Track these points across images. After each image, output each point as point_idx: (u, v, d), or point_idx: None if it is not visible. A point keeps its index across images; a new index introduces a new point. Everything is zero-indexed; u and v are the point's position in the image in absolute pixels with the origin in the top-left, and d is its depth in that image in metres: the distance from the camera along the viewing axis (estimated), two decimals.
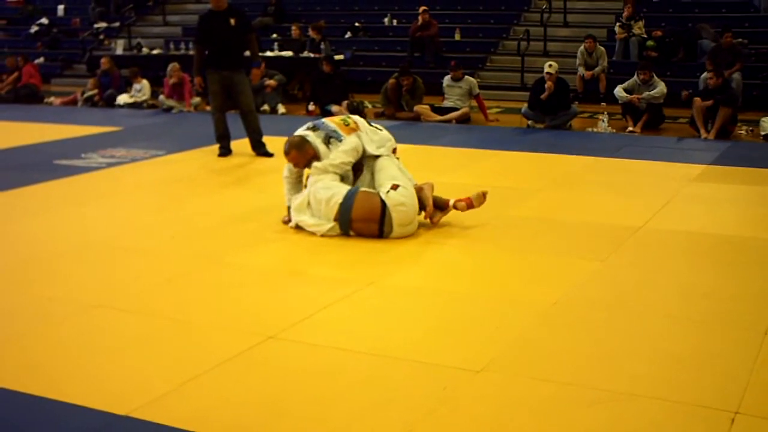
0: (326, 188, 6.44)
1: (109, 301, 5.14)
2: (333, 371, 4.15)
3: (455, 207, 6.75)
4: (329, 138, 6.71)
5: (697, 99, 11.47)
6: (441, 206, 6.76)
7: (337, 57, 15.74)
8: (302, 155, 6.70)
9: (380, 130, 6.98)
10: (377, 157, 6.72)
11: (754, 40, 15.05)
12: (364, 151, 6.72)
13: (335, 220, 6.34)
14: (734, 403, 3.70)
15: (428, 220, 6.69)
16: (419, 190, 6.67)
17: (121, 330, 4.73)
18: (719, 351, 4.34)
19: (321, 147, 6.67)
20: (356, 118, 7.09)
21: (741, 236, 6.51)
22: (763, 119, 11.44)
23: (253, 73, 13.30)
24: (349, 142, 6.65)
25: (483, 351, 4.33)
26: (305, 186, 6.68)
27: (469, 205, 6.75)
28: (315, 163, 6.58)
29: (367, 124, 7.00)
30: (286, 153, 6.76)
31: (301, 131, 6.81)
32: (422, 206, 6.64)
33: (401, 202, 6.38)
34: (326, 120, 7.00)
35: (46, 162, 9.82)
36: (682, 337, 4.53)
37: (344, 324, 4.78)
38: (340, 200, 6.33)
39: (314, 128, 6.82)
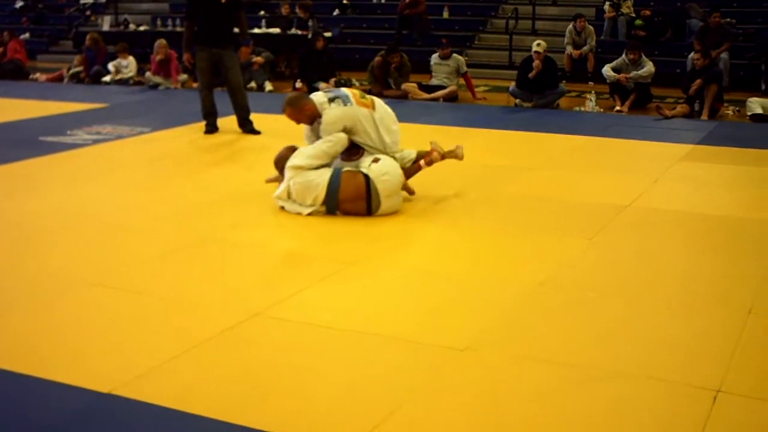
0: (307, 180, 6.34)
1: (95, 279, 5.13)
2: (318, 349, 4.15)
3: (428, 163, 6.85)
4: (335, 98, 6.56)
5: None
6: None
7: (326, 34, 15.68)
8: (298, 111, 6.59)
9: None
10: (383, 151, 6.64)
11: (742, 20, 15.07)
12: (379, 139, 6.64)
13: (323, 203, 6.32)
14: (717, 381, 3.72)
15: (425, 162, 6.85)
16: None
17: (106, 308, 4.71)
18: (704, 330, 4.36)
19: (321, 98, 6.57)
20: (377, 99, 6.93)
21: (727, 216, 6.53)
22: (750, 99, 11.46)
23: (242, 51, 13.23)
24: (338, 138, 6.48)
25: (469, 330, 4.34)
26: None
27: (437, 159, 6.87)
28: (291, 160, 6.43)
29: (387, 109, 6.88)
30: (283, 110, 6.67)
31: (313, 94, 6.75)
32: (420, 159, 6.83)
33: (384, 172, 6.37)
34: (344, 88, 6.91)
35: (31, 138, 9.77)
36: (668, 317, 4.54)
37: (330, 302, 4.77)
38: (326, 184, 6.29)
39: (327, 91, 6.74)
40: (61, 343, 4.24)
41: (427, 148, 6.94)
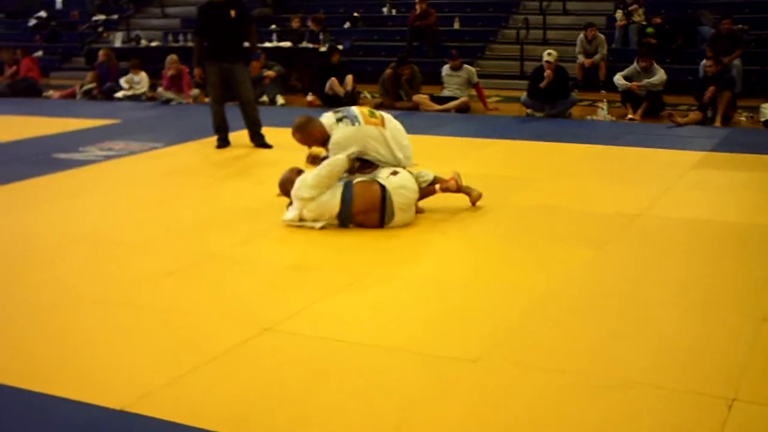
0: (319, 201, 6.29)
1: (106, 295, 5.13)
2: (329, 363, 4.13)
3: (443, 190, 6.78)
4: (343, 118, 6.53)
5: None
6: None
7: (337, 47, 15.71)
8: (307, 136, 6.58)
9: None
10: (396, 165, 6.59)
11: (755, 25, 15.00)
12: (392, 156, 6.59)
13: (336, 216, 6.29)
14: (732, 390, 3.69)
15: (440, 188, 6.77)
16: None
17: (117, 324, 4.71)
18: (717, 338, 4.32)
19: (330, 120, 6.55)
20: (387, 115, 6.87)
21: (740, 223, 6.49)
22: (763, 105, 11.42)
23: (252, 65, 13.28)
24: (335, 161, 6.37)
25: (479, 341, 4.31)
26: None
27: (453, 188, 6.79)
28: (296, 192, 6.35)
29: (397, 125, 6.83)
30: (293, 135, 6.66)
31: (322, 115, 6.70)
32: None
33: (402, 185, 6.35)
34: (354, 107, 6.87)
35: (44, 155, 9.80)
36: (681, 325, 4.51)
37: (340, 315, 4.75)
38: (338, 200, 6.27)
39: (336, 111, 6.69)
40: (71, 360, 4.23)
41: (437, 159, 6.92)
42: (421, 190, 6.62)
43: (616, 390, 3.74)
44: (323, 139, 6.55)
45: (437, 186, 6.76)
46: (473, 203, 6.89)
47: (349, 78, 14.08)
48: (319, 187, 6.29)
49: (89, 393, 3.81)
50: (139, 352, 4.31)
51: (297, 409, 3.66)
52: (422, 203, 6.73)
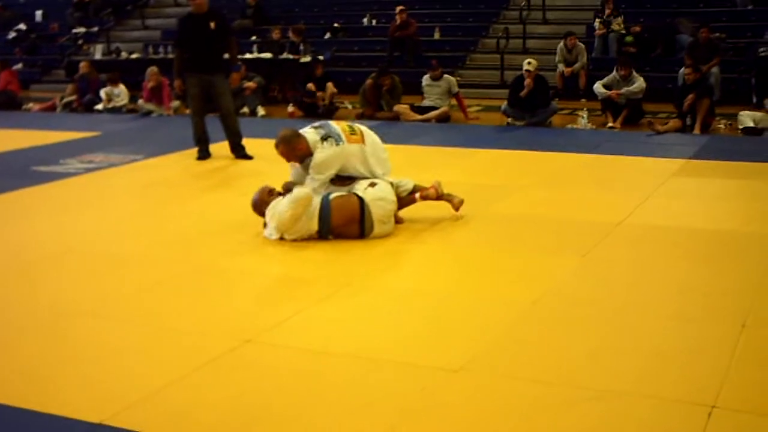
0: (294, 216, 6.24)
1: (86, 309, 5.10)
2: (311, 374, 4.12)
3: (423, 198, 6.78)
4: (327, 137, 6.50)
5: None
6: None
7: (319, 58, 15.73)
8: (291, 150, 6.54)
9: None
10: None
11: (732, 34, 15.11)
12: (369, 171, 6.60)
13: (316, 230, 6.28)
14: (711, 397, 3.70)
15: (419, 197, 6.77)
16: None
17: (97, 337, 4.68)
18: (698, 346, 4.34)
19: (313, 137, 6.50)
20: (365, 129, 6.87)
21: (720, 230, 6.52)
22: (741, 113, 11.49)
23: (233, 77, 13.27)
24: (319, 180, 6.47)
25: (462, 351, 4.31)
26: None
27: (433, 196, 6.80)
28: (275, 218, 6.30)
29: (376, 139, 6.84)
30: (276, 146, 6.61)
31: (303, 130, 6.65)
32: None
33: (380, 197, 6.35)
34: (332, 123, 6.87)
35: (24, 168, 9.75)
36: (662, 333, 4.53)
37: (323, 326, 4.75)
38: (316, 214, 6.26)
39: (318, 127, 6.65)
40: (50, 374, 4.20)
41: (418, 169, 6.93)
42: (400, 199, 6.62)
43: (598, 400, 3.75)
44: (305, 156, 6.54)
45: (417, 195, 6.76)
46: (456, 209, 6.89)
47: (330, 85, 14.11)
48: (288, 224, 6.25)
49: (68, 407, 3.79)
50: (119, 366, 4.29)
51: (280, 420, 3.65)
52: (402, 213, 6.73)
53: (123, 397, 3.87)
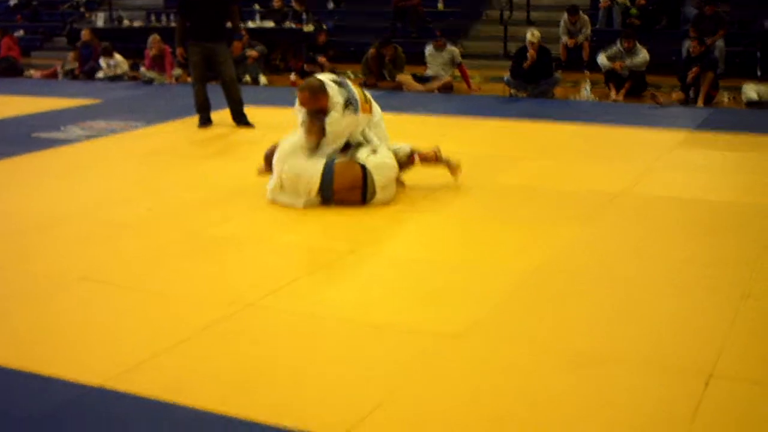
0: (302, 166, 6.33)
1: (86, 274, 5.11)
2: (311, 339, 4.13)
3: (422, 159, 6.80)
4: (348, 103, 6.45)
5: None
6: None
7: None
8: (312, 99, 6.43)
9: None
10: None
11: (738, 7, 15.01)
12: (366, 136, 6.61)
13: (318, 193, 6.29)
14: (709, 366, 3.71)
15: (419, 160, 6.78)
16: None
17: (98, 302, 4.70)
18: (697, 315, 4.35)
19: (335, 91, 6.46)
20: (373, 101, 6.86)
21: (721, 201, 6.51)
22: (745, 86, 11.45)
23: (235, 45, 13.23)
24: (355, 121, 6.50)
25: (463, 317, 4.32)
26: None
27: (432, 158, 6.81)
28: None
29: (379, 111, 6.85)
30: (300, 89, 6.54)
31: (325, 79, 6.60)
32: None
33: (382, 163, 6.38)
34: (350, 82, 6.79)
35: (25, 135, 9.73)
36: (661, 302, 4.53)
37: (323, 292, 4.76)
38: (319, 174, 6.28)
39: (340, 84, 6.59)
40: (50, 337, 4.22)
41: (420, 138, 6.93)
42: (400, 163, 6.62)
43: (599, 366, 3.77)
44: (322, 110, 6.45)
45: (416, 156, 6.76)
46: (453, 173, 6.90)
47: (323, 59, 14.06)
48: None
49: (68, 369, 3.80)
50: (119, 329, 4.30)
51: (278, 384, 3.67)
52: (404, 177, 6.73)
53: (123, 361, 3.88)
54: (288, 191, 6.36)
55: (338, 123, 6.42)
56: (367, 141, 6.59)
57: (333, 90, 6.49)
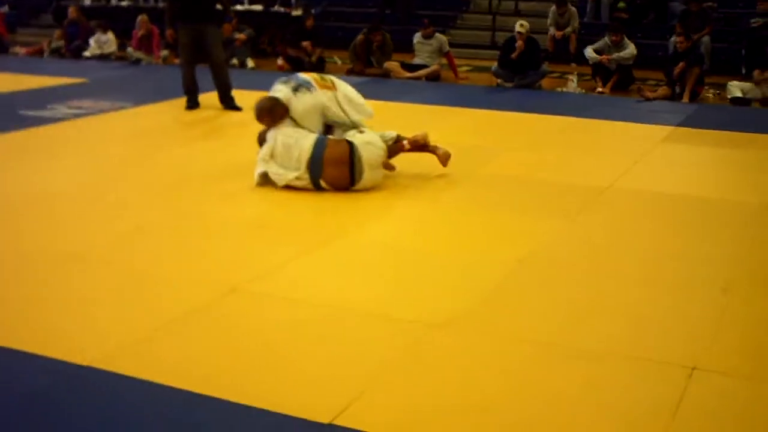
0: (294, 136, 6.40)
1: (74, 253, 5.11)
2: (294, 324, 4.15)
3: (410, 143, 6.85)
4: (298, 87, 6.57)
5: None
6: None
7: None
8: (275, 118, 6.54)
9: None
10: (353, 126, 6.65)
11: (723, 3, 15.08)
12: (346, 116, 6.65)
13: (307, 167, 6.32)
14: (692, 359, 3.76)
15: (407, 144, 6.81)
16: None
17: (87, 280, 4.71)
18: (680, 309, 4.39)
19: (285, 92, 6.54)
20: (335, 78, 6.94)
21: (706, 197, 6.56)
22: (730, 83, 11.52)
23: (225, 28, 13.21)
24: (320, 96, 6.55)
25: (447, 306, 4.35)
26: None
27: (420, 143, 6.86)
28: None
29: (347, 86, 6.89)
30: (258, 119, 6.63)
31: (274, 87, 6.69)
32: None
33: (368, 141, 6.43)
34: (300, 74, 6.91)
35: (11, 112, 9.70)
36: (645, 295, 4.57)
37: (309, 277, 4.78)
38: (312, 144, 6.32)
39: (286, 81, 6.69)
40: (37, 316, 4.23)
41: (406, 126, 6.98)
42: (389, 148, 6.66)
43: (582, 359, 3.80)
44: (285, 115, 6.55)
45: (405, 141, 6.80)
46: (442, 162, 6.94)
47: (307, 44, 14.05)
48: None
49: (55, 348, 3.81)
50: (106, 310, 4.31)
51: (265, 369, 3.69)
52: (393, 161, 6.76)
53: (110, 341, 3.90)
54: (279, 160, 6.39)
55: (296, 108, 6.48)
56: (352, 121, 6.65)
57: (281, 92, 6.58)
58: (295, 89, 6.55)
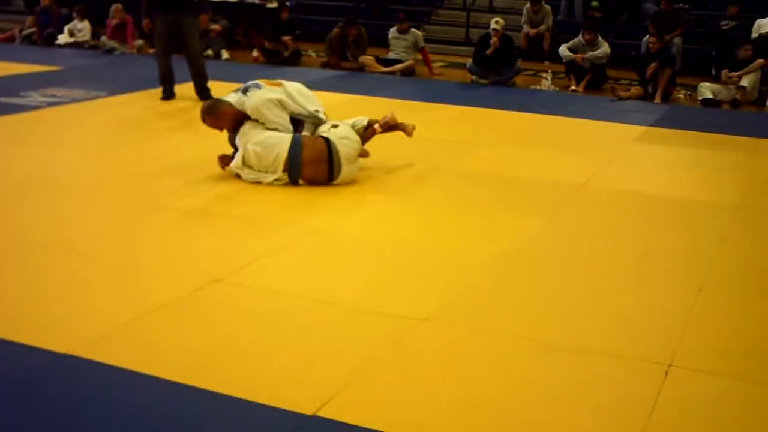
0: (266, 142, 6.38)
1: (52, 241, 5.11)
2: (277, 316, 4.18)
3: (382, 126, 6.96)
4: (247, 88, 6.61)
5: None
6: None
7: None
8: (218, 118, 6.59)
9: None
10: (317, 123, 6.70)
11: (695, 5, 15.22)
12: (303, 108, 6.68)
13: (284, 169, 6.34)
14: (668, 356, 3.83)
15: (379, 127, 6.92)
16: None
17: (64, 270, 4.70)
18: (657, 306, 4.46)
19: (235, 97, 6.57)
20: (282, 81, 6.97)
21: (678, 197, 6.65)
22: (701, 84, 11.66)
23: (202, 18, 13.15)
24: (272, 91, 6.59)
25: (428, 301, 4.39)
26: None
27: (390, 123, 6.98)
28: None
29: (297, 84, 6.93)
30: (202, 120, 6.69)
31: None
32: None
33: (344, 135, 6.49)
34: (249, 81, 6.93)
35: None
36: (622, 293, 4.64)
37: (290, 270, 4.81)
38: (287, 147, 6.33)
39: (236, 90, 6.72)
40: (16, 304, 4.23)
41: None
42: (362, 135, 6.76)
43: (561, 354, 3.86)
44: (237, 119, 6.55)
45: (376, 125, 6.89)
46: (408, 134, 7.13)
47: (288, 39, 14.05)
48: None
49: (35, 336, 3.82)
50: (85, 299, 4.31)
51: (245, 361, 3.71)
52: (367, 161, 6.82)
53: (90, 330, 3.91)
54: (254, 166, 6.40)
55: (251, 104, 6.48)
56: (309, 112, 6.69)
57: (230, 97, 6.63)
58: (245, 91, 6.60)
